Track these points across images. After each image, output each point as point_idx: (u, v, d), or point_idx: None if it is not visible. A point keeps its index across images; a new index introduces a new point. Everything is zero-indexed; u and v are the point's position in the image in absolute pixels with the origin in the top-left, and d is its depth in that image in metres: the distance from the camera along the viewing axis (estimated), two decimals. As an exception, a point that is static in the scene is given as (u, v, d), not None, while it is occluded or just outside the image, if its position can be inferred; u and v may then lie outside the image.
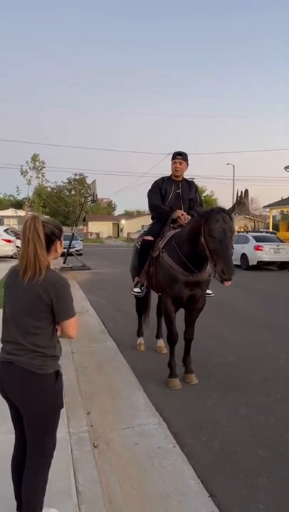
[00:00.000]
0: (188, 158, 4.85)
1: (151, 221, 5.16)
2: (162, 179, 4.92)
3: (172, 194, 4.79)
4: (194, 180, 5.23)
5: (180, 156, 4.76)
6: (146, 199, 4.97)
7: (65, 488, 2.44)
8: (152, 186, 4.93)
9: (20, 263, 1.97)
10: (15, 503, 2.14)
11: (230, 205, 4.57)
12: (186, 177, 5.00)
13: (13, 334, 1.97)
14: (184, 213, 4.65)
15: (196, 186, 5.14)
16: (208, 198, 46.45)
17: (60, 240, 2.09)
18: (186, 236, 4.10)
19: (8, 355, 1.98)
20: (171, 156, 4.85)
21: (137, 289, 4.95)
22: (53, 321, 1.99)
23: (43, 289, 1.92)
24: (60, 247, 2.10)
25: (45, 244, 1.98)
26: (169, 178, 4.90)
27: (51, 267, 2.03)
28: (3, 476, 2.28)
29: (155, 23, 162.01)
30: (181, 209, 4.72)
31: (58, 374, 2.04)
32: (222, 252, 3.57)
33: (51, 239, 2.03)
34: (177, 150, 4.83)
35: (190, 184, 4.95)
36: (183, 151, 4.82)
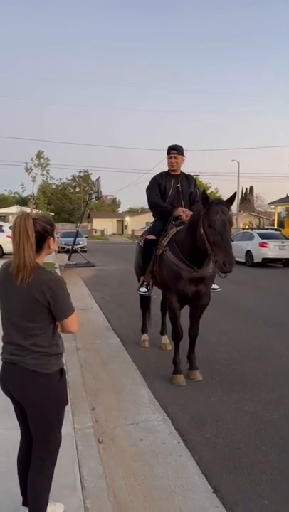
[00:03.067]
0: (185, 152, 4.84)
1: (154, 217, 5.14)
2: (160, 175, 4.88)
3: (172, 190, 4.76)
4: (199, 177, 5.17)
5: (175, 151, 4.72)
6: (146, 196, 4.95)
7: (70, 483, 2.46)
8: (151, 183, 4.88)
9: (13, 264, 1.89)
10: (21, 498, 2.16)
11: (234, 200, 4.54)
12: (191, 173, 4.98)
13: (13, 336, 1.96)
14: (186, 210, 4.64)
15: (196, 180, 5.09)
16: (213, 194, 46.32)
17: (52, 236, 2.01)
18: (186, 229, 4.09)
19: (11, 355, 1.96)
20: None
21: (144, 289, 4.95)
22: (53, 320, 1.96)
23: (38, 292, 1.87)
24: (52, 243, 2.03)
25: (38, 241, 1.92)
26: (167, 173, 4.86)
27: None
28: (9, 471, 2.30)
29: (156, 18, 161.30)
30: (181, 204, 4.71)
31: (62, 372, 2.04)
32: (223, 244, 3.58)
33: (43, 236, 1.95)
34: (172, 144, 4.78)
35: (189, 178, 4.90)
36: (178, 144, 4.77)
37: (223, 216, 3.62)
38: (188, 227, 4.10)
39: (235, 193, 4.03)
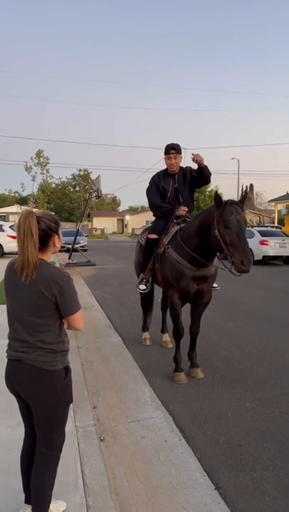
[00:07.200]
0: (184, 150, 4.75)
1: (154, 217, 5.13)
2: (158, 175, 4.83)
3: (171, 190, 4.73)
4: None
5: (174, 151, 4.61)
6: (146, 198, 4.92)
7: (72, 480, 2.47)
8: (150, 184, 4.87)
9: (18, 261, 1.91)
10: (23, 495, 2.17)
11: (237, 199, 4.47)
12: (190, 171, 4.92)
13: (20, 333, 1.97)
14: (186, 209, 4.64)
15: (191, 169, 4.80)
16: (213, 193, 46.19)
17: (57, 234, 2.02)
18: (195, 229, 4.07)
19: (17, 352, 1.97)
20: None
21: (142, 286, 4.96)
22: (59, 317, 1.97)
23: (45, 287, 1.89)
24: (58, 241, 2.04)
25: (43, 239, 1.93)
26: (165, 171, 4.80)
27: (57, 263, 2.02)
28: (12, 468, 2.31)
29: (155, 16, 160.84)
30: (180, 203, 4.69)
31: (67, 369, 2.05)
32: (240, 244, 3.60)
33: (48, 234, 1.97)
34: (169, 143, 4.66)
35: (185, 173, 4.75)
36: (175, 142, 4.67)
37: (238, 216, 3.65)
38: (197, 226, 4.05)
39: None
